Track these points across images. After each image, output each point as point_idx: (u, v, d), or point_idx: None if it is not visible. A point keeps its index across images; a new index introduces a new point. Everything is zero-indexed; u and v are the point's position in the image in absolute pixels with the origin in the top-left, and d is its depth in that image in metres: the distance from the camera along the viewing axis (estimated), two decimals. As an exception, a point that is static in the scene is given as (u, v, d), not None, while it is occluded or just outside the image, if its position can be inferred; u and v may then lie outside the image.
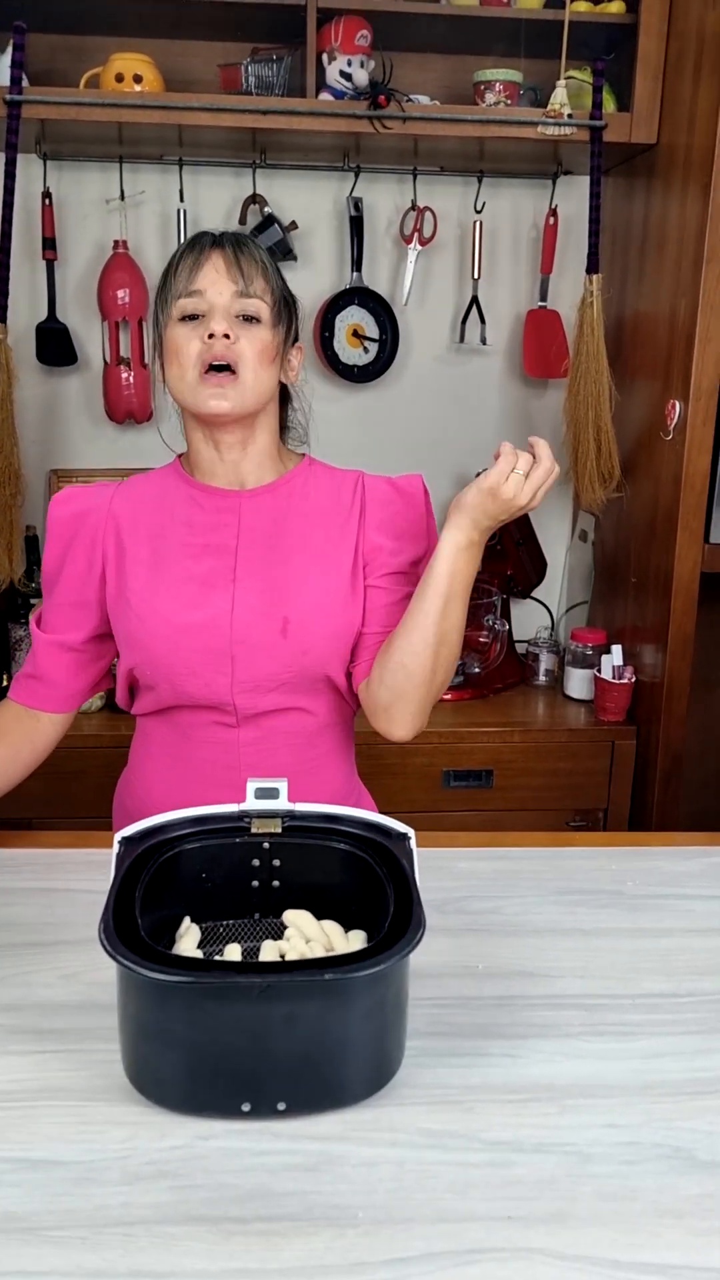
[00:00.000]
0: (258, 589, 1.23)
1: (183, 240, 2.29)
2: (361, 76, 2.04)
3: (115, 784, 2.12)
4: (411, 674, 1.21)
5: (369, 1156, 0.81)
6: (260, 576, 1.24)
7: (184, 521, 1.26)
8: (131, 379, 2.32)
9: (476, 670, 2.38)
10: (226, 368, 1.18)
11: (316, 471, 1.31)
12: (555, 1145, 0.82)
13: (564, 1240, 0.74)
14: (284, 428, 1.33)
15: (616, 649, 2.25)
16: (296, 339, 1.27)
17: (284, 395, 1.31)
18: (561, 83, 2.04)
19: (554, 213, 2.36)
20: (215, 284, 1.19)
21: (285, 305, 1.24)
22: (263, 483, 1.28)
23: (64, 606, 1.29)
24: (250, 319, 1.20)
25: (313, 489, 1.29)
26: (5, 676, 2.37)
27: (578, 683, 2.36)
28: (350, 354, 2.41)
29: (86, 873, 1.22)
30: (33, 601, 2.33)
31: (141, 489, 1.30)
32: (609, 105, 2.09)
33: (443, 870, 1.23)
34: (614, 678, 2.23)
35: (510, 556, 2.47)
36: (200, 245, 1.21)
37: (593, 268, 2.14)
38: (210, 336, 1.17)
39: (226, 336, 1.17)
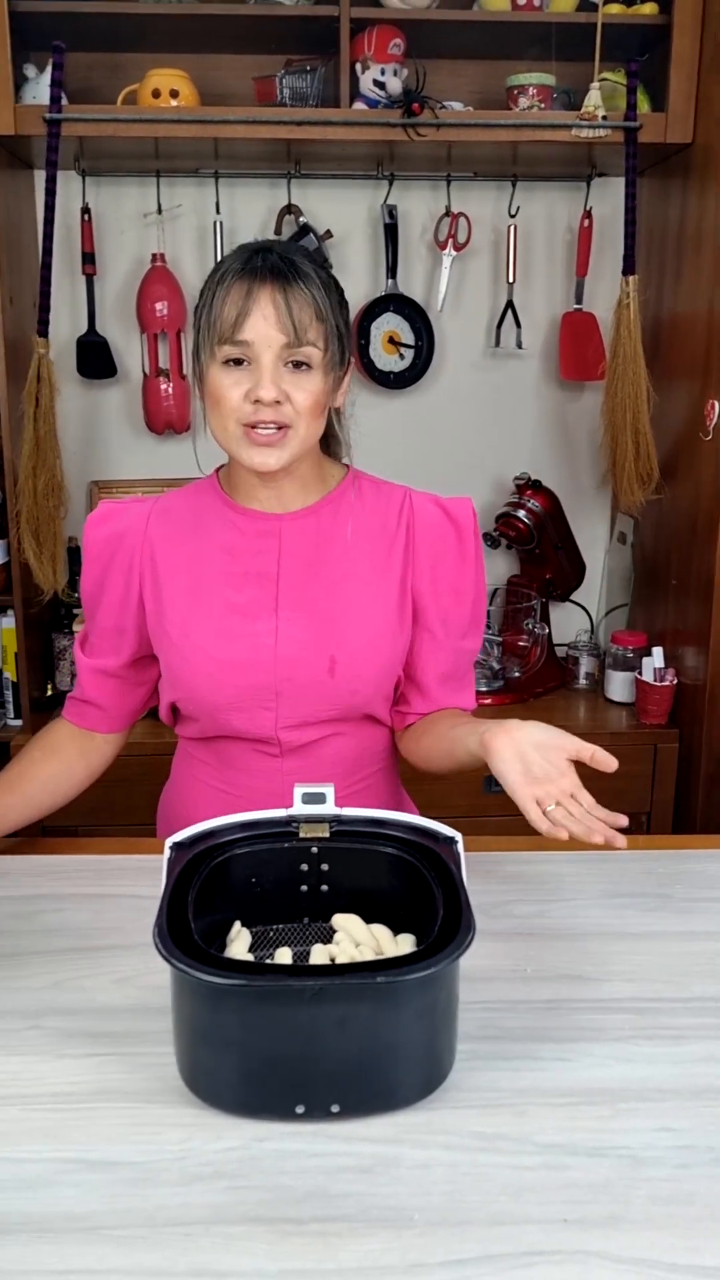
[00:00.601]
0: (302, 621, 1.19)
1: (220, 252, 2.32)
2: (395, 85, 2.06)
3: (158, 791, 2.14)
4: (426, 771, 1.27)
5: (423, 1159, 0.81)
6: (304, 608, 1.19)
7: (223, 547, 1.22)
8: (170, 390, 2.35)
9: (517, 674, 2.38)
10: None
11: (361, 487, 1.25)
12: (609, 1149, 0.82)
13: (620, 1244, 0.74)
14: (325, 436, 1.24)
15: (658, 651, 2.24)
16: (347, 365, 1.19)
17: None
18: (595, 85, 2.04)
19: (588, 215, 2.36)
20: (264, 335, 1.09)
21: (339, 340, 1.15)
22: (306, 504, 1.22)
23: (105, 632, 1.27)
24: (301, 364, 1.11)
25: (356, 509, 1.23)
26: (49, 686, 2.40)
27: (619, 686, 2.35)
28: (386, 361, 2.43)
29: (136, 879, 1.23)
30: (75, 611, 2.36)
31: (178, 508, 1.25)
32: (643, 106, 2.09)
33: (488, 874, 1.23)
34: (656, 680, 2.22)
35: (549, 560, 2.47)
36: (248, 280, 1.09)
37: (629, 269, 2.14)
38: (257, 401, 1.09)
39: (277, 402, 1.10)
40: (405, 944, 0.98)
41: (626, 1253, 0.73)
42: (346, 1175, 0.80)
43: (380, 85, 2.06)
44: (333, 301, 1.14)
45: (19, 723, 2.31)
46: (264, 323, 1.09)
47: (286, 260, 1.12)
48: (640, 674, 2.26)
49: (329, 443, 1.29)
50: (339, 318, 1.15)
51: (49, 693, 2.38)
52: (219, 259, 2.31)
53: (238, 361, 1.11)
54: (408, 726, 1.29)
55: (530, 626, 2.40)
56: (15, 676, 2.30)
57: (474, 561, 1.25)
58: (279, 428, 1.12)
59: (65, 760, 1.30)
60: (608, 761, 1.06)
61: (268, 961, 0.99)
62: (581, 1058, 0.92)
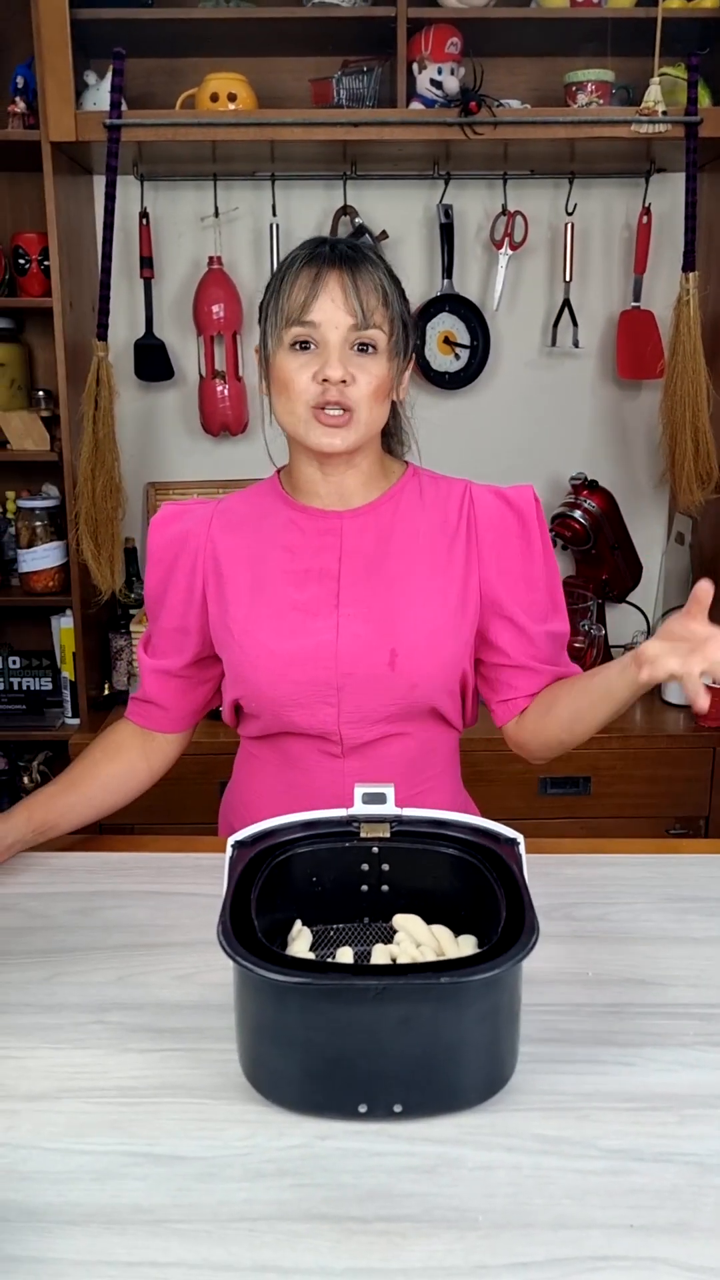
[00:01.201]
0: (363, 617, 1.19)
1: (276, 254, 2.33)
2: (452, 84, 2.05)
3: (215, 791, 2.16)
4: (565, 742, 1.25)
5: (486, 1161, 0.81)
6: (365, 604, 1.19)
7: (284, 546, 1.22)
8: (226, 392, 2.36)
9: (572, 675, 2.36)
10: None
11: (422, 483, 1.25)
12: (675, 1155, 0.81)
13: (689, 1250, 0.73)
14: (386, 433, 1.27)
15: (717, 653, 2.20)
16: (410, 356, 1.21)
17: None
18: (655, 80, 2.02)
19: (647, 211, 2.33)
20: (331, 316, 1.11)
21: (403, 327, 1.17)
22: (367, 500, 1.23)
23: (167, 632, 1.28)
24: (366, 347, 1.13)
25: (417, 505, 1.23)
26: (106, 685, 2.43)
27: (676, 688, 2.30)
28: (442, 361, 2.42)
29: (195, 877, 1.24)
30: (132, 612, 2.39)
31: (240, 509, 1.26)
32: (704, 100, 2.06)
33: (548, 877, 1.22)
34: (715, 682, 2.19)
35: (606, 561, 2.44)
36: (317, 264, 1.12)
37: (689, 265, 2.11)
38: (324, 380, 1.11)
39: (343, 382, 1.11)
40: (466, 945, 0.98)
41: (696, 1260, 0.72)
42: (409, 1175, 0.79)
43: (437, 85, 2.06)
44: (396, 290, 1.17)
45: (76, 722, 2.35)
46: (331, 305, 1.11)
47: (352, 247, 1.15)
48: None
49: (389, 441, 1.29)
50: (403, 306, 1.18)
51: (106, 692, 2.41)
52: (275, 261, 2.34)
53: (304, 345, 1.13)
54: (522, 712, 1.27)
55: (586, 628, 2.38)
56: (73, 676, 2.33)
57: (541, 547, 1.24)
58: (344, 410, 1.13)
59: (127, 760, 1.31)
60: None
61: (330, 960, 0.99)
62: (645, 1063, 0.91)
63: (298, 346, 1.13)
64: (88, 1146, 0.82)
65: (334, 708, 1.21)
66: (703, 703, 1.01)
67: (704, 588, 1.03)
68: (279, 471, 1.30)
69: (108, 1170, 0.80)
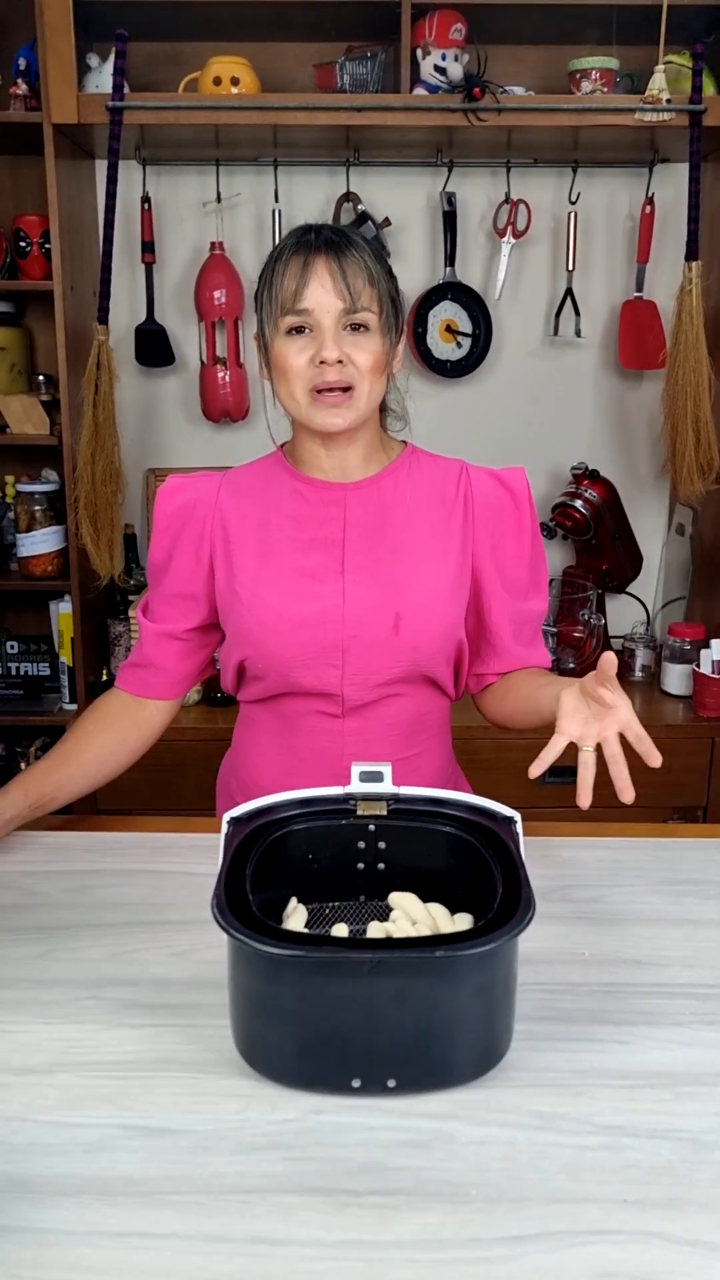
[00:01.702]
0: (367, 583, 1.23)
1: (278, 236, 2.33)
2: (456, 70, 2.05)
3: (211, 776, 2.16)
4: (525, 725, 1.31)
5: (480, 1136, 0.80)
6: (369, 571, 1.24)
7: (289, 515, 1.26)
8: (228, 378, 2.36)
9: (572, 665, 2.36)
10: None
11: (419, 460, 1.30)
12: (670, 1131, 0.81)
13: (682, 1225, 0.72)
14: (382, 409, 1.30)
15: (716, 644, 2.21)
16: (401, 331, 1.24)
17: None
18: (660, 68, 2.01)
19: (650, 201, 2.33)
20: (322, 301, 1.15)
21: (393, 304, 1.21)
22: (367, 474, 1.27)
23: (171, 598, 1.31)
24: (359, 327, 1.17)
25: (416, 480, 1.28)
26: (105, 670, 2.42)
27: (676, 678, 2.32)
28: (444, 349, 2.42)
29: (192, 856, 1.24)
30: (131, 598, 2.39)
31: (246, 480, 1.30)
32: (709, 89, 2.06)
33: (545, 858, 1.22)
34: (714, 673, 2.19)
35: (606, 551, 2.44)
36: (304, 251, 1.16)
37: (692, 255, 2.10)
38: (322, 363, 1.16)
39: (340, 362, 1.16)
40: (463, 923, 0.98)
41: (689, 1234, 0.72)
42: (403, 1150, 0.79)
43: (441, 71, 2.05)
44: (383, 269, 1.20)
45: (74, 707, 2.34)
46: (322, 290, 1.15)
47: (337, 233, 1.19)
48: (698, 667, 2.23)
49: (385, 418, 1.32)
50: (390, 285, 1.21)
51: (104, 677, 2.41)
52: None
53: (299, 331, 1.17)
54: (486, 688, 1.34)
55: (586, 617, 2.38)
56: (71, 661, 2.33)
57: (530, 526, 1.30)
58: (344, 389, 1.17)
59: (119, 730, 1.32)
60: (651, 755, 1.15)
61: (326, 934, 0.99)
62: (641, 1041, 0.91)
63: (293, 332, 1.18)
64: (81, 1119, 0.82)
65: (338, 669, 1.24)
66: (584, 786, 1.14)
67: (609, 660, 1.08)
68: (281, 447, 1.33)
69: (100, 1143, 0.80)
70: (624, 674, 2.43)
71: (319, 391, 1.17)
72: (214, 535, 1.27)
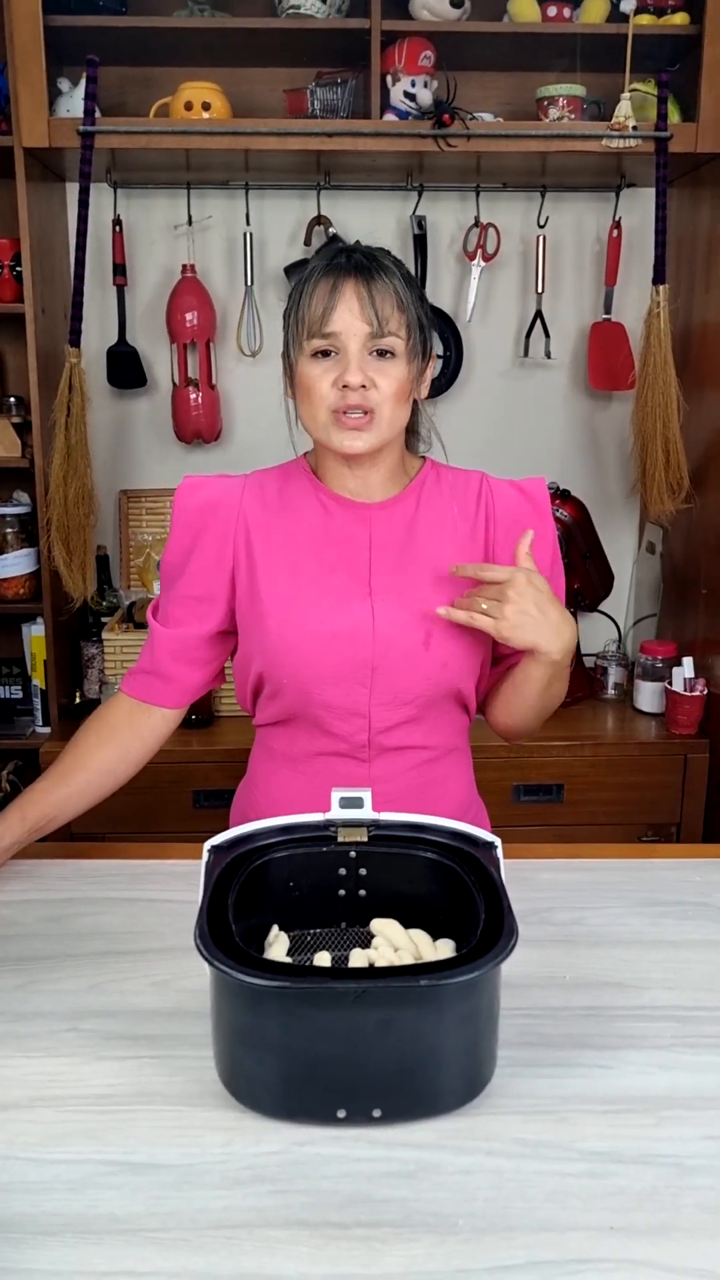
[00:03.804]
0: (397, 602, 1.23)
1: (250, 263, 2.34)
2: (425, 96, 2.07)
3: (189, 799, 2.15)
4: (529, 724, 1.31)
5: (466, 1165, 0.80)
6: (396, 590, 1.24)
7: (315, 530, 1.26)
8: (200, 400, 2.36)
9: (545, 684, 2.37)
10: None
11: (440, 475, 1.30)
12: (654, 1156, 0.81)
13: (670, 1252, 0.73)
14: (409, 430, 1.29)
15: (688, 661, 2.23)
16: (429, 357, 1.25)
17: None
18: (626, 95, 2.04)
19: (617, 225, 2.36)
20: (349, 326, 1.15)
21: (421, 330, 1.21)
22: (390, 495, 1.27)
23: (187, 600, 1.27)
24: (385, 353, 1.17)
25: (438, 496, 1.28)
26: (78, 694, 2.41)
27: (648, 696, 2.33)
28: (415, 370, 2.42)
29: (170, 884, 1.24)
30: (104, 620, 2.37)
31: (270, 488, 1.28)
32: (674, 116, 2.09)
33: (524, 881, 1.23)
34: (686, 690, 2.21)
35: (578, 570, 2.46)
36: (334, 274, 1.16)
37: (659, 278, 2.13)
38: (345, 387, 1.16)
39: (363, 386, 1.16)
40: (445, 949, 0.98)
41: (677, 1262, 0.72)
42: (389, 1180, 0.79)
43: (411, 97, 2.07)
44: (413, 295, 1.20)
45: (47, 730, 2.32)
46: (349, 314, 1.15)
47: (369, 257, 1.19)
48: (670, 684, 2.25)
49: (411, 439, 1.32)
50: (420, 310, 1.21)
51: (77, 700, 2.39)
52: (249, 269, 2.35)
53: (325, 354, 1.17)
54: (495, 692, 1.33)
55: (558, 636, 2.39)
56: (44, 684, 2.31)
57: (550, 538, 1.30)
58: (365, 413, 1.17)
59: (120, 743, 1.29)
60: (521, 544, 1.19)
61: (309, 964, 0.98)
62: (623, 1065, 0.92)
63: (319, 355, 1.18)
64: (62, 1156, 0.81)
65: (367, 688, 1.23)
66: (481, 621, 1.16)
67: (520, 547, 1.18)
68: (305, 455, 1.32)
69: (83, 1179, 0.79)
70: (597, 692, 2.45)
71: (339, 413, 1.17)
72: (237, 539, 1.25)
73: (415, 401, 1.26)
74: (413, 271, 2.33)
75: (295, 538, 1.26)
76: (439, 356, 2.42)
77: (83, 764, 1.27)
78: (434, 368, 1.27)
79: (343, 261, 1.17)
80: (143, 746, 1.30)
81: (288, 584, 1.24)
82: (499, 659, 1.31)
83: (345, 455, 1.21)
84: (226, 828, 1.04)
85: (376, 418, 1.18)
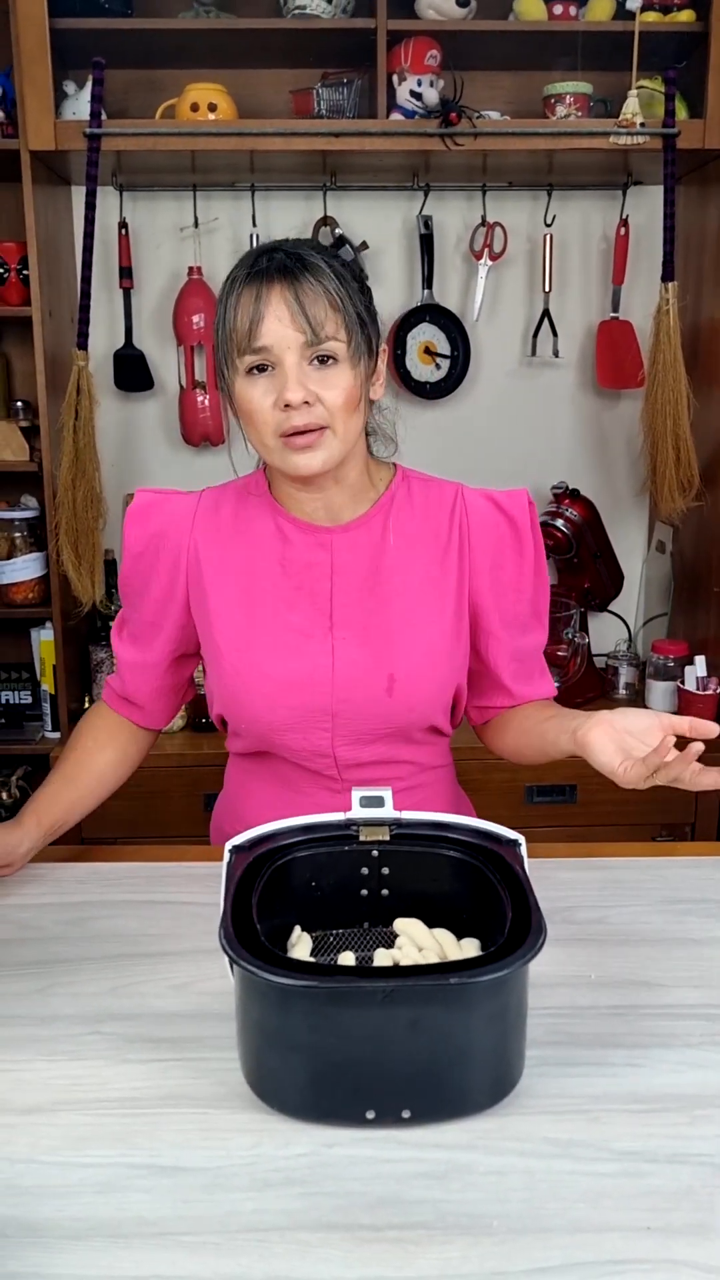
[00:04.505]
0: (358, 640, 1.16)
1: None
2: (432, 95, 2.06)
3: (200, 803, 2.14)
4: (528, 760, 1.27)
5: (498, 1165, 0.79)
6: (360, 626, 1.17)
7: (273, 558, 1.18)
8: (207, 402, 2.35)
9: (557, 685, 2.36)
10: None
11: (412, 487, 1.21)
12: (689, 1155, 0.80)
13: (708, 1251, 0.71)
14: (368, 433, 1.21)
15: (700, 660, 2.22)
16: (377, 351, 1.14)
17: None
18: (633, 92, 2.04)
19: (625, 223, 2.35)
20: (281, 337, 1.05)
21: (363, 327, 1.10)
22: (356, 514, 1.18)
23: (143, 624, 1.26)
24: (326, 359, 1.07)
25: (409, 513, 1.19)
26: (87, 698, 2.40)
27: (660, 695, 2.32)
28: (422, 371, 2.42)
29: (186, 885, 1.22)
30: (112, 624, 2.36)
31: (224, 510, 1.21)
32: (681, 113, 2.09)
33: (545, 880, 1.21)
34: (699, 689, 2.20)
35: (587, 569, 2.45)
36: (257, 282, 1.05)
37: (668, 276, 2.13)
38: (287, 406, 1.06)
39: (306, 403, 1.06)
40: (469, 949, 0.97)
41: (716, 1261, 0.71)
42: (420, 1182, 0.78)
43: (417, 96, 2.06)
44: (349, 290, 1.08)
45: (57, 735, 2.31)
46: (278, 324, 1.05)
47: (293, 256, 1.07)
48: (682, 683, 2.24)
49: (371, 442, 1.22)
50: (358, 304, 1.09)
51: (86, 705, 2.38)
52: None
53: (261, 369, 1.08)
54: (487, 722, 1.30)
55: (570, 636, 2.38)
56: (53, 689, 2.30)
57: (533, 557, 1.22)
58: (315, 430, 1.08)
59: (119, 746, 1.29)
60: (708, 728, 1.01)
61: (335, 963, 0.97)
62: (654, 1064, 0.90)
63: (254, 372, 1.08)
64: (88, 1159, 0.80)
65: (328, 732, 1.19)
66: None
67: (706, 728, 1.02)
68: (263, 469, 1.23)
69: (110, 1183, 0.78)
70: (608, 691, 2.44)
71: (287, 436, 1.08)
72: (189, 570, 1.20)
73: (371, 402, 1.16)
74: (420, 273, 2.35)
75: (251, 569, 1.18)
76: (446, 357, 2.41)
77: (86, 768, 1.28)
78: (385, 360, 1.16)
79: (264, 265, 1.06)
80: (139, 750, 1.33)
81: (243, 623, 1.17)
82: (474, 676, 1.26)
83: (301, 479, 1.12)
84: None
85: (328, 434, 1.08)
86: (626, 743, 1.04)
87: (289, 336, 1.05)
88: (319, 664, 1.16)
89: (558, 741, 1.13)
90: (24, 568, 2.28)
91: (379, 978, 0.81)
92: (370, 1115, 0.82)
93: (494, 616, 1.22)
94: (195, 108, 2.07)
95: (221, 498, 1.23)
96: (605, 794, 2.20)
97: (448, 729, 1.27)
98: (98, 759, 1.28)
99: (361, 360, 1.10)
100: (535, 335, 2.43)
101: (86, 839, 2.18)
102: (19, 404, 2.32)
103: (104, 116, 2.03)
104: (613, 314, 2.39)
